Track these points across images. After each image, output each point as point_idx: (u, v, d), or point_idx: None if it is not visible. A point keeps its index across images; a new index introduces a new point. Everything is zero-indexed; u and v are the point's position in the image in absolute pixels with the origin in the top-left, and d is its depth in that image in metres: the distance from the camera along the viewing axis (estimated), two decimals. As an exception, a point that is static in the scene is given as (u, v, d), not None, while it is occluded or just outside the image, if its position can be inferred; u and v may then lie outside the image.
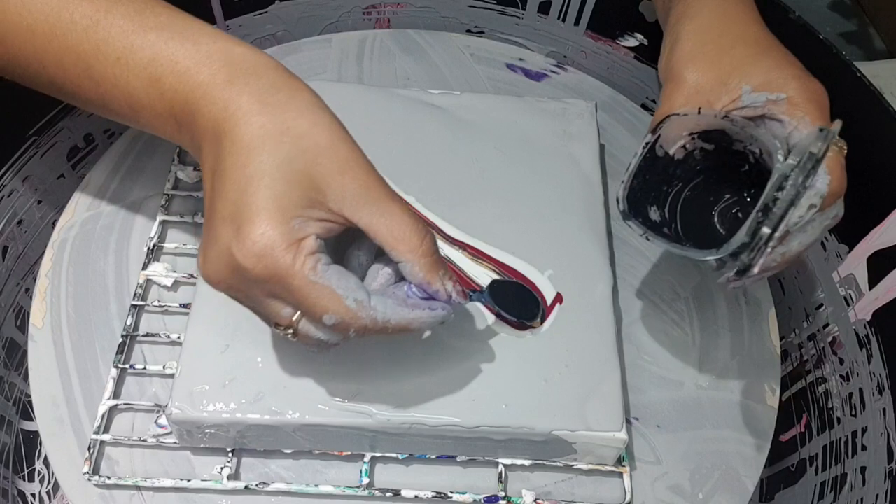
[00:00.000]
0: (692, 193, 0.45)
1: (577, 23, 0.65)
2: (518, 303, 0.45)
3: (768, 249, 0.37)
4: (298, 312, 0.35)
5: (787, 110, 0.42)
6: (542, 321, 0.46)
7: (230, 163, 0.34)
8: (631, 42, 0.65)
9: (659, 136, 0.43)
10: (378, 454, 0.45)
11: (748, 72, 0.42)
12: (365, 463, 0.44)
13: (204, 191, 0.36)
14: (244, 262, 0.33)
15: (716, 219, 0.44)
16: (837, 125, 0.38)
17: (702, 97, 0.43)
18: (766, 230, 0.37)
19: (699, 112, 0.42)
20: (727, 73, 0.42)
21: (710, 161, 0.44)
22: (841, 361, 0.54)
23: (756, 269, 0.38)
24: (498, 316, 0.46)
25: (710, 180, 0.45)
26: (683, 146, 0.43)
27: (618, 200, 0.42)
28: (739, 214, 0.44)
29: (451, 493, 0.44)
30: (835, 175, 0.39)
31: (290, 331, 0.36)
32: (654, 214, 0.43)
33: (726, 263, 0.40)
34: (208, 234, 0.35)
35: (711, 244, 0.39)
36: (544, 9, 0.65)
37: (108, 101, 0.38)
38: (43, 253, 0.52)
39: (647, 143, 0.43)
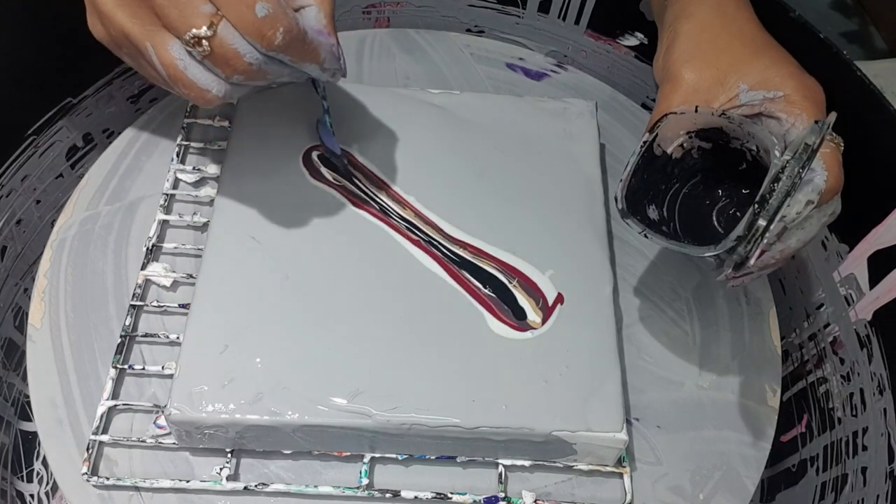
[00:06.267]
0: (690, 193, 0.45)
1: (577, 22, 0.65)
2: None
3: (764, 241, 0.37)
4: (219, 12, 0.34)
5: (784, 108, 0.42)
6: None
7: None
8: (631, 41, 0.64)
9: (656, 135, 0.43)
10: (378, 455, 0.45)
11: (745, 70, 0.42)
12: (364, 464, 0.44)
13: None
14: None
15: (714, 218, 0.44)
16: (832, 118, 0.38)
17: (699, 96, 0.43)
18: (761, 222, 0.37)
19: (696, 110, 0.42)
20: (724, 73, 0.42)
21: (708, 160, 0.44)
22: (842, 361, 0.54)
23: (752, 261, 0.38)
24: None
25: (708, 180, 0.45)
26: (681, 145, 0.44)
27: (616, 199, 0.42)
28: (738, 213, 0.44)
29: (451, 493, 0.44)
30: (832, 171, 0.39)
31: (206, 39, 0.34)
32: (652, 213, 0.43)
33: (724, 261, 0.41)
34: None
35: (710, 243, 0.40)
36: (544, 8, 0.65)
37: None
38: (41, 253, 0.51)
39: (644, 143, 0.43)
